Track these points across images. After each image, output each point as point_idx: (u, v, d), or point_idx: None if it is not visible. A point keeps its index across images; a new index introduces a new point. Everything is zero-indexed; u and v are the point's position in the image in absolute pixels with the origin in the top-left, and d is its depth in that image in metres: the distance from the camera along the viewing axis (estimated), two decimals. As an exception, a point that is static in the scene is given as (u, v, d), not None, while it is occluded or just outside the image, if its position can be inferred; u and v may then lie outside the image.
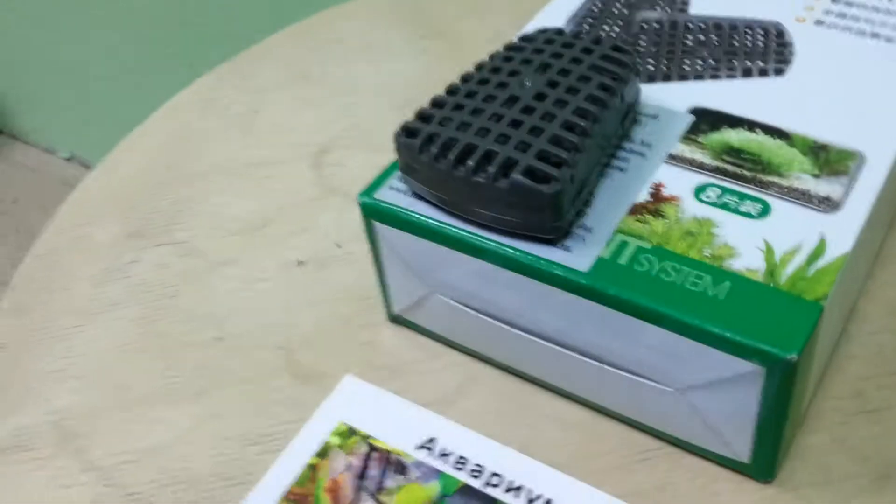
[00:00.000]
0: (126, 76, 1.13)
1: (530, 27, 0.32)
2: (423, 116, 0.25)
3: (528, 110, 0.25)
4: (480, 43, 0.42)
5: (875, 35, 0.29)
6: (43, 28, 1.16)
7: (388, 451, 0.26)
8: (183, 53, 1.02)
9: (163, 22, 1.00)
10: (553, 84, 0.25)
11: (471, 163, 0.24)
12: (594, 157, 0.25)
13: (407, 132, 0.25)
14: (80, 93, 1.23)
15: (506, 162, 0.23)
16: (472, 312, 0.27)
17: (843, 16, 0.30)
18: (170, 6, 0.97)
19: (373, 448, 0.27)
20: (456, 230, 0.25)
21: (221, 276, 0.33)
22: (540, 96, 0.25)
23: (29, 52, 1.24)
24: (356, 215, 0.35)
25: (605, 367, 0.25)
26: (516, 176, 0.23)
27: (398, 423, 0.27)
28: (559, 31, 0.28)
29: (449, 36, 0.43)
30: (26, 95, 1.34)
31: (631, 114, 0.27)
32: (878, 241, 0.29)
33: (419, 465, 0.26)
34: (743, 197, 0.25)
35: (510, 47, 0.27)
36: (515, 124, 0.24)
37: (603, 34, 0.31)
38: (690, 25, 0.31)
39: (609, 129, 0.26)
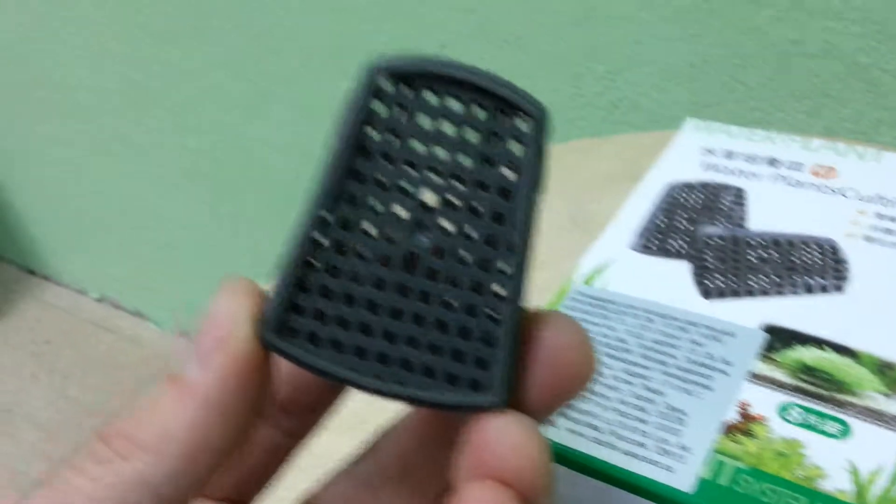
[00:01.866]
0: (153, 220, 1.17)
1: (598, 245, 0.36)
2: None
3: None
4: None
5: (920, 250, 0.33)
6: (74, 177, 1.22)
7: None
8: (206, 199, 1.07)
9: (192, 171, 1.05)
10: None
11: None
12: None
13: None
14: (110, 236, 1.27)
15: None
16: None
17: (889, 231, 0.34)
18: (200, 155, 1.02)
19: None
20: (564, 448, 0.28)
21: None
22: None
23: (61, 199, 1.29)
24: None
25: (710, 577, 0.27)
26: None
27: None
28: None
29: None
30: (59, 238, 1.39)
31: None
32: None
33: None
34: (824, 417, 0.28)
35: None
36: None
37: None
38: (751, 241, 0.34)
39: None
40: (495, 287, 0.17)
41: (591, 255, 0.35)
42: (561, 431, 0.29)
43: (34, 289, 1.49)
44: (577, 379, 0.18)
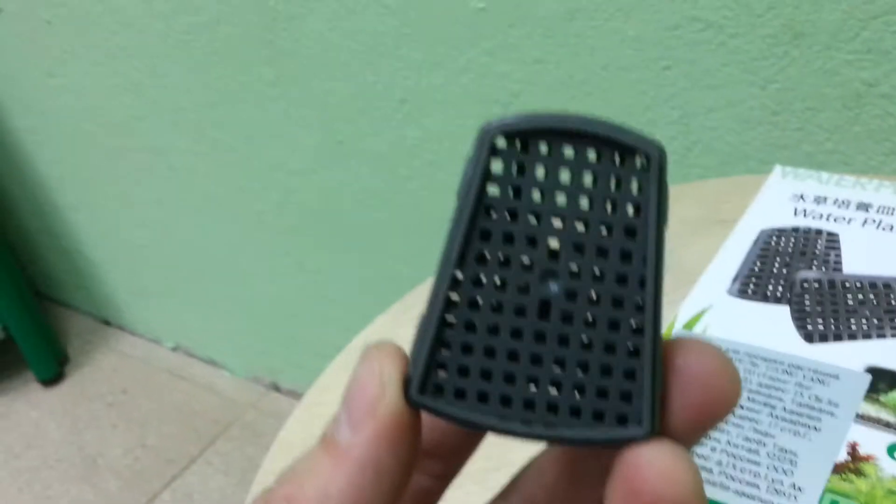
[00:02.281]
0: (225, 270, 1.21)
1: (696, 291, 0.37)
2: None
3: None
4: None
5: None
6: (147, 229, 1.26)
7: None
8: (279, 248, 1.10)
9: (264, 222, 1.08)
10: None
11: None
12: None
13: None
14: (183, 286, 1.31)
15: None
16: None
17: (985, 273, 0.35)
18: (273, 207, 1.05)
19: None
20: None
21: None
22: None
23: (135, 251, 1.33)
24: None
25: None
26: None
27: None
28: None
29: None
30: (133, 289, 1.43)
31: None
32: None
33: None
34: (935, 456, 0.29)
35: None
36: None
37: None
38: (848, 285, 0.35)
39: None
40: (631, 322, 0.18)
41: (690, 301, 0.37)
42: (674, 473, 0.30)
43: (109, 339, 1.54)
44: (724, 402, 0.18)
